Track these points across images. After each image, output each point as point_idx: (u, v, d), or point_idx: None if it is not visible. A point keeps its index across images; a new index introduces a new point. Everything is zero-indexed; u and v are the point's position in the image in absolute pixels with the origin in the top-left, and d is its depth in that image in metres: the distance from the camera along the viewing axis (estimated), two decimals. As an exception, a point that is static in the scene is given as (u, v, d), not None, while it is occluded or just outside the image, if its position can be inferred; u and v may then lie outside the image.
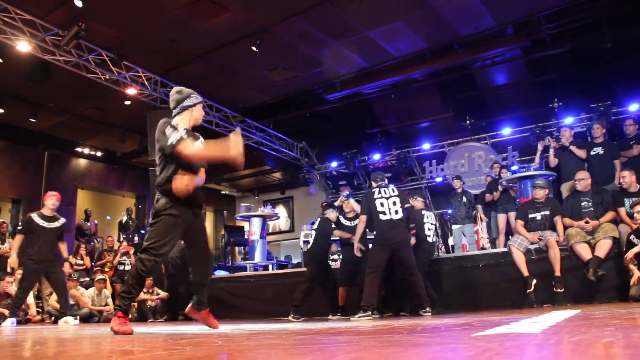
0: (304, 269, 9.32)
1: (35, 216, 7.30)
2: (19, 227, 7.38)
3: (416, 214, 7.37)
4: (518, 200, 8.85)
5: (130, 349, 2.73)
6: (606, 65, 10.95)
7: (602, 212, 6.60)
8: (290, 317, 7.31)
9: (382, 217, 6.54)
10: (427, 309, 6.44)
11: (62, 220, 7.56)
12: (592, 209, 6.68)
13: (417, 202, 7.61)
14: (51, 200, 7.41)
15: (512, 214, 8.67)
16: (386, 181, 7.03)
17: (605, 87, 11.22)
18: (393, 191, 6.72)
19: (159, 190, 4.04)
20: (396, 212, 6.57)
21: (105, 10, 8.76)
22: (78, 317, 8.12)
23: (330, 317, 7.47)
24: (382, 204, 6.57)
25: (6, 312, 8.61)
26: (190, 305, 4.53)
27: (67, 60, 9.46)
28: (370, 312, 6.42)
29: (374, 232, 6.93)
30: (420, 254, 7.14)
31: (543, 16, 9.83)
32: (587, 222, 6.48)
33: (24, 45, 8.87)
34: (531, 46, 10.75)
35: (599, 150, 7.98)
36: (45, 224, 7.26)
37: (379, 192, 6.67)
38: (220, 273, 10.79)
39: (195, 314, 4.51)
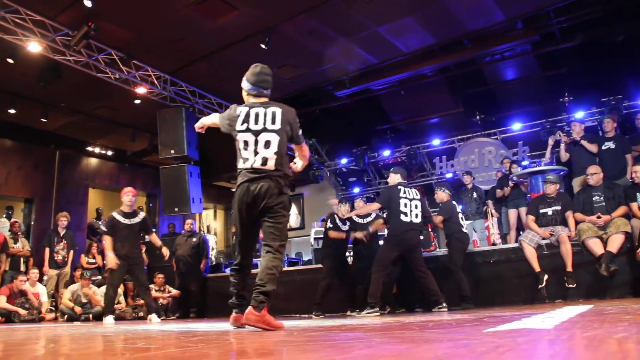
0: (314, 265, 9.35)
1: (117, 215, 7.35)
2: (104, 229, 7.42)
3: (449, 205, 7.33)
4: (529, 195, 8.82)
5: (143, 346, 2.75)
6: (617, 59, 10.85)
7: (614, 207, 6.57)
8: (312, 315, 7.30)
9: (403, 217, 6.47)
10: (444, 304, 6.42)
11: (142, 214, 7.61)
12: (603, 203, 6.65)
13: (444, 194, 7.52)
14: (127, 197, 7.47)
15: (523, 209, 8.64)
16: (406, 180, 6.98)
17: (617, 80, 11.13)
18: (416, 194, 6.68)
19: (286, 177, 4.02)
20: (416, 215, 6.54)
21: (115, 10, 8.79)
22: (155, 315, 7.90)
23: (349, 313, 7.42)
24: (405, 205, 6.51)
25: (20, 310, 8.72)
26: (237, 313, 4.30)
27: (77, 60, 9.52)
28: (377, 308, 6.43)
29: (387, 229, 6.90)
30: (454, 243, 7.09)
31: (553, 10, 9.75)
32: (599, 217, 6.45)
33: (34, 46, 8.92)
34: (541, 40, 10.67)
35: (610, 144, 7.93)
36: (126, 221, 7.29)
37: (404, 192, 6.60)
38: (232, 271, 10.80)
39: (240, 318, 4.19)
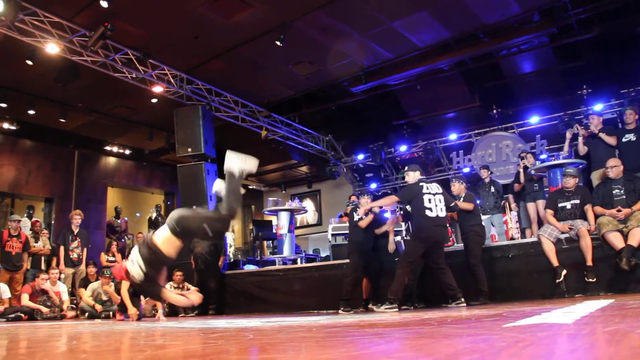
0: (332, 262, 9.34)
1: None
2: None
3: (473, 196, 7.27)
4: (547, 188, 8.72)
5: (163, 343, 2.78)
6: (636, 50, 10.70)
7: (634, 200, 6.48)
8: (340, 311, 7.27)
9: (428, 213, 6.42)
10: (462, 299, 6.38)
11: None
12: (624, 196, 6.57)
13: (462, 186, 7.46)
14: None
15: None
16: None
17: (636, 72, 10.97)
18: (438, 188, 6.63)
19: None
20: (441, 209, 6.50)
21: (131, 9, 8.85)
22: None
23: (370, 306, 7.38)
24: (429, 200, 6.46)
25: (42, 308, 8.84)
26: None
27: (95, 61, 9.60)
28: (396, 305, 6.39)
29: (412, 226, 6.87)
30: (473, 237, 7.03)
31: (570, 1, 9.63)
32: (619, 211, 6.37)
33: (52, 47, 9.02)
34: (558, 32, 10.51)
35: (631, 136, 7.80)
36: None
37: (426, 188, 6.56)
38: (250, 267, 10.86)
39: None
